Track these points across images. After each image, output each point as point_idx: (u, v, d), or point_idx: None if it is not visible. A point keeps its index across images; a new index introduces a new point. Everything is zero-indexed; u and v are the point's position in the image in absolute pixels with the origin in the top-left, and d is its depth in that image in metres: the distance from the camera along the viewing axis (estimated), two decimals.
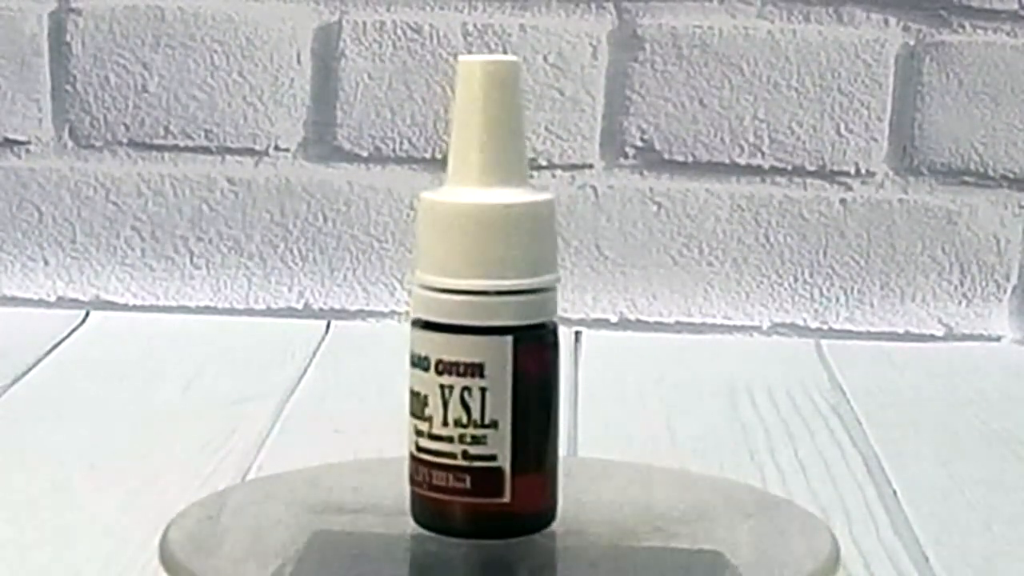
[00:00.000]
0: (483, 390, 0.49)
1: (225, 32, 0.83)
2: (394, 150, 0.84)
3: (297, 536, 0.52)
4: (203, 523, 0.53)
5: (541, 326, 0.50)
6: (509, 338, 0.49)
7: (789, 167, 0.84)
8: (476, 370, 0.49)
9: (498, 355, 0.49)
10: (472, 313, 0.49)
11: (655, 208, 0.85)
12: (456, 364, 0.49)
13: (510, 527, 0.50)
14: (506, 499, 0.49)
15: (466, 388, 0.49)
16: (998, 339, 0.86)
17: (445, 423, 0.49)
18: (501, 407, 0.49)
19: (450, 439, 0.49)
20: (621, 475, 0.59)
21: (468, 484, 0.49)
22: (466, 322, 0.49)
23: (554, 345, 0.50)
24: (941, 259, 0.85)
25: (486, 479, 0.49)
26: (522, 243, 0.49)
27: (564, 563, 0.52)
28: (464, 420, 0.49)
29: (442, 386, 0.49)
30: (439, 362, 0.49)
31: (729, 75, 0.83)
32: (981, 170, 0.84)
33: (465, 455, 0.49)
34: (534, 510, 0.50)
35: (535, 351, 0.49)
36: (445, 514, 0.50)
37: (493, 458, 0.49)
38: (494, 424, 0.49)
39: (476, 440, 0.49)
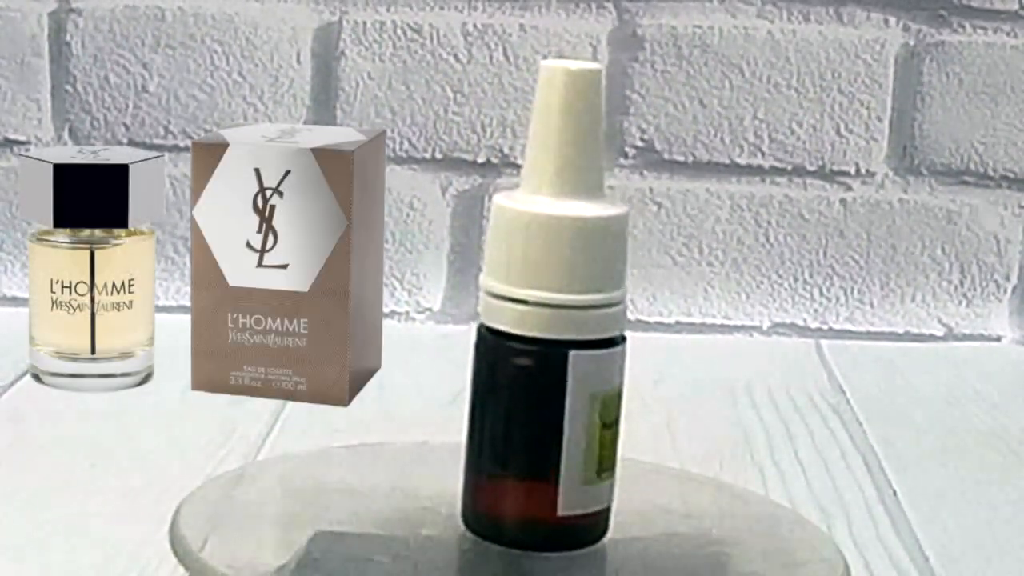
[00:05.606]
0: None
1: (225, 32, 0.83)
2: (394, 150, 0.84)
3: (298, 533, 0.52)
4: (212, 512, 0.53)
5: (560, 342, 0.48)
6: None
7: (789, 167, 0.84)
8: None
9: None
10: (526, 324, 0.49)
11: (655, 208, 0.85)
12: None
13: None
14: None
15: None
16: (998, 339, 0.86)
17: None
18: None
19: None
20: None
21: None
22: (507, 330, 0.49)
23: (536, 363, 0.49)
24: (941, 259, 0.85)
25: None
26: (582, 257, 0.48)
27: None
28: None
29: None
30: None
31: (729, 75, 0.83)
32: (981, 170, 0.84)
33: None
34: (474, 509, 0.51)
35: (496, 360, 0.49)
36: None
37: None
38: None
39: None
